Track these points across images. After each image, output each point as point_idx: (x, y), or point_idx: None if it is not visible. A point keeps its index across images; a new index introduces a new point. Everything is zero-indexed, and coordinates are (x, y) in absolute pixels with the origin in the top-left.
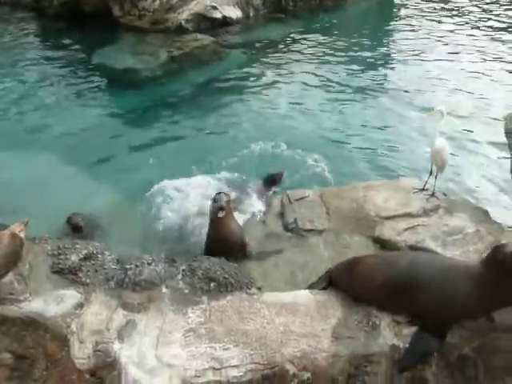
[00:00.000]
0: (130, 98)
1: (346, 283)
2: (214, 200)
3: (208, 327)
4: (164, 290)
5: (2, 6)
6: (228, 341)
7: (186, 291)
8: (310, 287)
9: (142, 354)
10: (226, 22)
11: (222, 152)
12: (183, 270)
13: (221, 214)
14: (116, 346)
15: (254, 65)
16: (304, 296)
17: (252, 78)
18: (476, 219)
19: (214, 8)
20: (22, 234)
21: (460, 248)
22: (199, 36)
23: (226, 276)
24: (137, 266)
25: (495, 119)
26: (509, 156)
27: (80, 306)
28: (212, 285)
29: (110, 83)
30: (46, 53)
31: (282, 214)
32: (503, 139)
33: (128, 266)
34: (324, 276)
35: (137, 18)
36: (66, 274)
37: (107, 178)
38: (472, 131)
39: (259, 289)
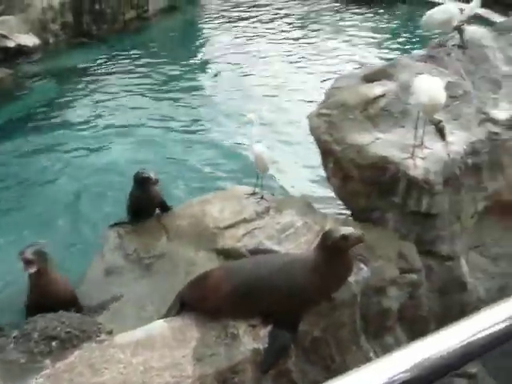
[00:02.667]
0: None
1: (198, 300)
2: (20, 254)
3: None
4: None
5: None
6: None
7: (23, 360)
8: (164, 316)
9: None
10: (22, 50)
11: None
12: (15, 338)
13: (31, 270)
14: None
15: (60, 95)
16: (158, 327)
17: (59, 110)
18: (302, 212)
19: (4, 37)
20: None
21: (293, 242)
22: None
23: (69, 330)
24: None
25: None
26: (317, 150)
27: None
28: (54, 344)
29: None
30: None
31: (120, 246)
32: (310, 136)
33: None
34: (175, 300)
35: None
36: None
37: None
38: (282, 132)
39: (110, 333)
